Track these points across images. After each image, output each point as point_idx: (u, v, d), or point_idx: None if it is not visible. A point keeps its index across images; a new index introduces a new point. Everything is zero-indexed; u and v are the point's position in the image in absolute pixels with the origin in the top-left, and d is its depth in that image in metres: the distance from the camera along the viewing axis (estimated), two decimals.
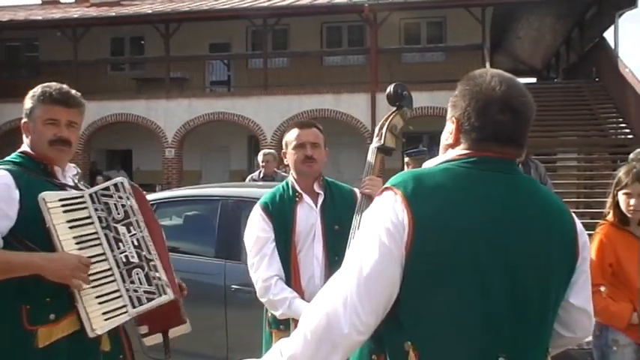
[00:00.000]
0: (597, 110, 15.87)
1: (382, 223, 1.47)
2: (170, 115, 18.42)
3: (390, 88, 2.65)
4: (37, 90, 2.40)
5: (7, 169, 2.26)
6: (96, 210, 2.32)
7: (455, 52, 18.34)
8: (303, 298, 2.73)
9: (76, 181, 2.50)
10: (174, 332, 2.55)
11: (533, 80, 26.92)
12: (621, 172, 3.16)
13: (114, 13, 19.81)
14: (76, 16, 20.32)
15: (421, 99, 14.75)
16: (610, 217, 3.20)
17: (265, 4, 19.07)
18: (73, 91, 2.44)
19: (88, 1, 24.08)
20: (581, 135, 15.30)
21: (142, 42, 21.36)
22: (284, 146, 2.99)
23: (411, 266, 1.45)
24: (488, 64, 16.13)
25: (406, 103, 2.70)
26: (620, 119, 15.40)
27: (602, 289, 3.09)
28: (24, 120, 2.41)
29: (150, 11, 19.50)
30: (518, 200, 1.55)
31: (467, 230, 1.48)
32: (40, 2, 26.29)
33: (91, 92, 19.34)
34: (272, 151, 8.06)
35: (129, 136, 19.49)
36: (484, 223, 1.50)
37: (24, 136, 2.42)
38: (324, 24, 20.18)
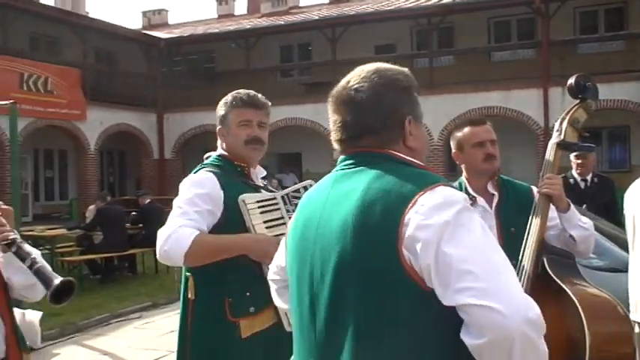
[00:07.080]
0: None
1: None
2: None
3: (572, 80, 2.48)
4: (228, 97, 2.60)
5: (212, 172, 2.45)
6: (287, 211, 2.47)
7: (637, 40, 16.92)
8: None
9: (264, 182, 2.66)
10: None
11: None
12: None
13: (283, 22, 20.62)
14: (248, 26, 21.44)
15: (599, 92, 13.77)
16: None
17: (430, 3, 18.86)
18: (259, 95, 2.62)
19: (259, 12, 25.35)
20: None
21: (310, 48, 22.03)
22: (454, 147, 2.84)
23: None
24: None
25: (590, 95, 2.51)
26: None
27: None
28: (219, 127, 2.59)
29: (317, 17, 20.06)
30: (332, 198, 1.43)
31: (293, 233, 1.52)
32: (216, 16, 28.14)
33: None
34: None
35: (298, 140, 20.18)
36: (303, 226, 1.48)
37: (219, 142, 2.61)
38: (491, 19, 19.55)
